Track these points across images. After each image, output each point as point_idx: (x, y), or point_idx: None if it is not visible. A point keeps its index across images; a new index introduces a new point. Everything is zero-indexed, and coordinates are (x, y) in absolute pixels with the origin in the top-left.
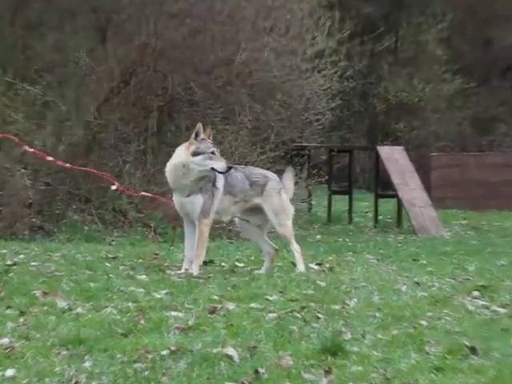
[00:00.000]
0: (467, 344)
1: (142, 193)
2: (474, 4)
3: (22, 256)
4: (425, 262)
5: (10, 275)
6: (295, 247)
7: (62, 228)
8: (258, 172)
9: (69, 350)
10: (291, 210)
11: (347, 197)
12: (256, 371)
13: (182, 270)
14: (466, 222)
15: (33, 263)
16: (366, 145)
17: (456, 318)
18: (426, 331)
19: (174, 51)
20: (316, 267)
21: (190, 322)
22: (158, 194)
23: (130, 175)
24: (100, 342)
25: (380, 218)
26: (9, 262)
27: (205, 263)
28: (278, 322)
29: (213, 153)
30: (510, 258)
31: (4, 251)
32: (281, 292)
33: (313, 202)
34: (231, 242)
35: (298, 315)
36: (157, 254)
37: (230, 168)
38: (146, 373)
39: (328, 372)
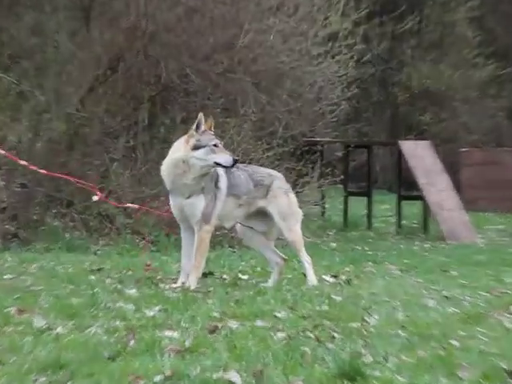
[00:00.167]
0: (505, 367)
1: (128, 204)
2: None
3: None
4: (455, 273)
5: None
6: (306, 257)
7: (39, 236)
8: (262, 171)
9: (48, 376)
10: (300, 213)
11: (366, 199)
12: None
13: (178, 284)
14: (502, 226)
15: (6, 276)
16: (386, 139)
17: (492, 338)
18: (457, 352)
19: (168, 34)
20: (331, 279)
21: (186, 343)
22: (149, 197)
23: (118, 175)
24: (84, 366)
25: (403, 222)
26: None
27: (204, 275)
28: (288, 343)
29: (215, 145)
30: None
31: None
32: (290, 308)
33: (326, 205)
34: (233, 251)
35: (311, 335)
36: (149, 265)
37: (236, 161)
38: None
39: None
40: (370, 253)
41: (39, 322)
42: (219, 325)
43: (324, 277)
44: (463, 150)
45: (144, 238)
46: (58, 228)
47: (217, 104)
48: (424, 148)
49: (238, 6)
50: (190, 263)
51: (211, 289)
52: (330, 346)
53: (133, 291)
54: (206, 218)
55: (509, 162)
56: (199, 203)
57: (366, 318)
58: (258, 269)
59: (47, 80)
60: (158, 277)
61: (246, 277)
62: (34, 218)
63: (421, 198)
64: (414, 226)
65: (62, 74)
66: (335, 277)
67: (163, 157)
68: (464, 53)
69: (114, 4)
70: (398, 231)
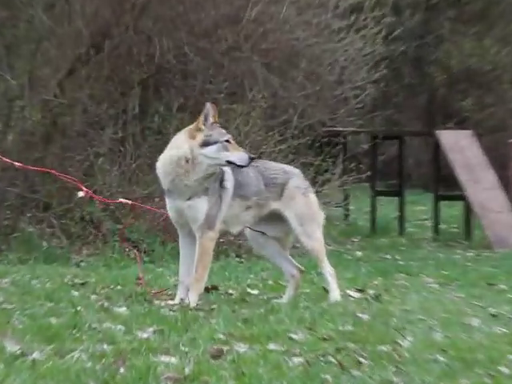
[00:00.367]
0: None
1: (121, 200)
2: None
3: None
4: (504, 286)
5: None
6: (328, 268)
7: (12, 244)
8: (276, 167)
9: None
10: (322, 216)
11: (397, 199)
12: None
13: (176, 300)
14: None
15: None
16: (421, 129)
17: None
18: (506, 381)
19: (162, 6)
20: (356, 295)
21: (186, 371)
22: (142, 198)
23: (104, 172)
24: None
25: (442, 227)
26: None
27: (206, 290)
28: (306, 370)
29: (228, 141)
30: None
31: None
32: (309, 329)
33: (351, 207)
34: (241, 262)
35: (333, 360)
36: (141, 279)
37: (252, 160)
38: None
39: None
40: (402, 263)
41: (12, 347)
42: (224, 348)
43: (348, 291)
44: None
45: (135, 247)
46: (33, 235)
47: (220, 88)
48: (466, 139)
49: None
50: (189, 276)
51: (215, 306)
52: (356, 373)
53: (122, 309)
54: (209, 224)
55: None
56: (202, 206)
57: (398, 340)
58: (270, 282)
59: (19, 61)
60: (153, 291)
61: (255, 292)
62: (5, 223)
63: (462, 197)
64: (455, 230)
65: (36, 53)
66: (361, 291)
67: (157, 151)
68: None
69: None
70: (436, 237)
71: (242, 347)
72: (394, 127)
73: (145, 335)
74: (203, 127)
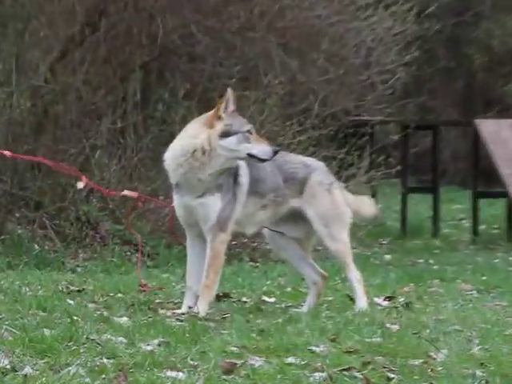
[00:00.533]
0: None
1: (125, 192)
2: None
3: None
4: None
5: None
6: (354, 273)
7: None
8: (296, 160)
9: None
10: (348, 215)
11: (431, 197)
12: None
13: (183, 309)
14: None
15: None
16: (458, 118)
17: None
18: None
19: None
20: (385, 303)
21: None
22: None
23: (102, 167)
24: None
25: (481, 228)
26: None
27: (217, 298)
28: None
29: (249, 132)
30: None
31: None
32: (332, 341)
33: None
34: (256, 266)
35: (359, 375)
36: (145, 286)
37: (276, 153)
38: None
39: None
40: (436, 268)
41: (1, 361)
42: (238, 362)
43: (376, 299)
44: None
45: (138, 250)
46: (23, 237)
47: (231, 72)
48: (509, 129)
49: None
50: (198, 282)
51: (227, 315)
52: None
53: (124, 319)
54: (222, 225)
55: None
56: (215, 204)
57: (431, 354)
58: (289, 289)
59: (5, 42)
60: (157, 300)
61: (272, 300)
62: None
63: (504, 194)
64: (496, 232)
65: (24, 33)
66: (391, 299)
67: (161, 142)
68: None
69: None
70: (474, 239)
71: (257, 361)
72: (427, 116)
73: (149, 348)
74: (224, 115)
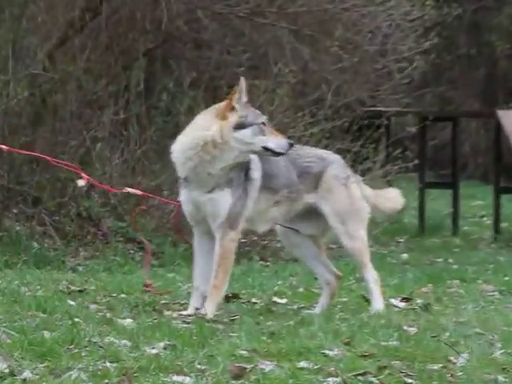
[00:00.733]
0: None
1: (127, 189)
2: None
3: None
4: None
5: None
6: (372, 273)
7: None
8: (311, 153)
9: None
10: (366, 211)
11: (451, 192)
12: None
13: (190, 311)
14: None
15: None
16: (479, 109)
17: None
18: None
19: None
20: (402, 304)
21: None
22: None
23: (104, 160)
24: None
25: (504, 225)
26: None
27: (226, 299)
28: None
29: (264, 124)
30: None
31: None
32: (346, 344)
33: None
34: (266, 265)
35: (374, 380)
36: (149, 286)
37: (291, 146)
38: None
39: None
40: (455, 267)
41: None
42: (248, 367)
43: (393, 300)
44: None
45: (142, 248)
46: (21, 234)
47: (240, 60)
48: None
49: None
50: (206, 282)
51: (236, 317)
52: None
53: (127, 321)
54: (232, 222)
55: None
56: (225, 200)
57: (450, 358)
58: (301, 289)
59: (1, 28)
60: (163, 301)
61: (283, 301)
62: None
63: None
64: None
65: (21, 18)
66: (408, 300)
67: (166, 134)
68: None
69: None
70: (496, 237)
71: (267, 365)
72: (446, 107)
73: (154, 351)
74: (237, 106)
